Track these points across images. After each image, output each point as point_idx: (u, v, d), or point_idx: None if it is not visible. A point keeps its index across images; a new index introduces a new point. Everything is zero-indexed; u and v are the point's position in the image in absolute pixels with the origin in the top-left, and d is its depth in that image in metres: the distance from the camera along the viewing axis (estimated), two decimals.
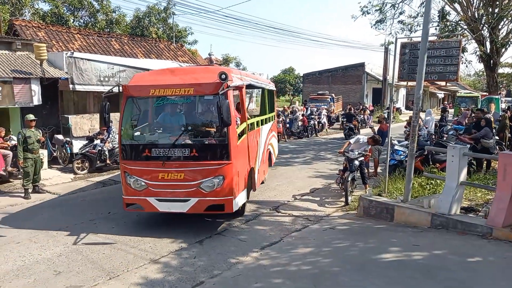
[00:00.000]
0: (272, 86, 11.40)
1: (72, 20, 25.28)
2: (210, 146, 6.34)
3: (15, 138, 10.18)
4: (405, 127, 15.12)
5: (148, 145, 6.38)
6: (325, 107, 25.23)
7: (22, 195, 8.79)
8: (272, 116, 11.00)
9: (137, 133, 6.87)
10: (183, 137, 6.34)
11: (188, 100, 6.98)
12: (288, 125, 19.53)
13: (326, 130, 23.15)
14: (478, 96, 26.78)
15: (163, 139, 6.50)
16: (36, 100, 11.00)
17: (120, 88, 6.50)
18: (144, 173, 6.26)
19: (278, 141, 17.77)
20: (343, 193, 8.27)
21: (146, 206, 6.34)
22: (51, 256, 5.62)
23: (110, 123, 8.36)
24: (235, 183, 6.32)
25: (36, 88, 11.01)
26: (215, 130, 6.54)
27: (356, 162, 8.38)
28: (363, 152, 8.60)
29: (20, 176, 9.57)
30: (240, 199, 6.71)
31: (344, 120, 21.37)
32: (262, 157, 8.90)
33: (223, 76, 5.93)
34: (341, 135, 20.39)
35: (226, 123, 5.91)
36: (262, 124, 9.17)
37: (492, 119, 11.52)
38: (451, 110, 27.79)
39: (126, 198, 6.49)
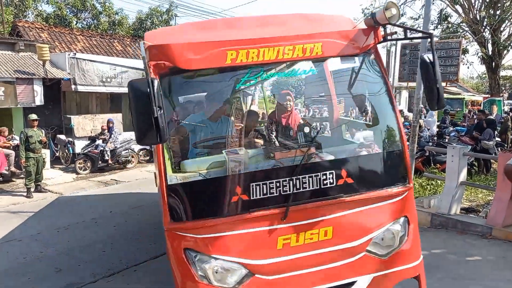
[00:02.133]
0: None
1: (75, 22, 25.45)
2: (373, 159, 3.18)
3: (17, 137, 10.26)
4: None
5: (237, 177, 2.83)
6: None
7: (25, 194, 8.84)
8: None
9: (203, 158, 3.16)
10: (314, 150, 3.05)
11: (310, 71, 3.23)
12: None
13: None
14: (464, 98, 26.58)
15: (267, 160, 3.01)
16: (38, 100, 11.11)
17: (146, 53, 2.81)
18: (239, 244, 2.78)
19: None
20: None
21: None
22: (53, 254, 5.66)
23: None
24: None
25: (38, 88, 11.11)
26: (372, 127, 3.44)
27: None
28: None
29: (22, 176, 9.64)
30: None
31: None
32: None
33: (394, 11, 2.84)
34: None
35: (441, 104, 2.92)
36: None
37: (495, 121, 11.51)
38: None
39: None
